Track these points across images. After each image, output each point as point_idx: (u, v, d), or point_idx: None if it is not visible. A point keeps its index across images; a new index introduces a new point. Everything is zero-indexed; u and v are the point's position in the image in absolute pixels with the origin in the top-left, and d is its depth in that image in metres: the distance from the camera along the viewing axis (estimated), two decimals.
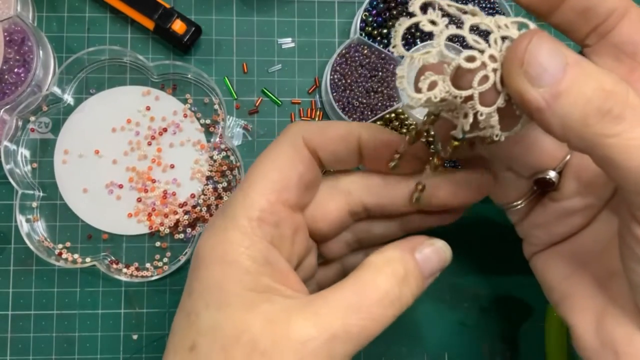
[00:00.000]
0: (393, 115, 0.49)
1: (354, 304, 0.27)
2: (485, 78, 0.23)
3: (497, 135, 0.25)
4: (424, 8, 0.24)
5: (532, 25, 0.24)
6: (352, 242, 0.35)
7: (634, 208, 0.23)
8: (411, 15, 0.24)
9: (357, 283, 0.28)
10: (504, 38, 0.24)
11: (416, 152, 0.31)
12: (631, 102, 0.21)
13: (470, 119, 0.24)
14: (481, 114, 0.24)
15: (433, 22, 0.24)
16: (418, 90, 0.24)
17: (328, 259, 0.36)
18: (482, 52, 0.23)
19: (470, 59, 0.23)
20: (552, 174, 0.30)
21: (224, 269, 0.27)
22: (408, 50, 0.49)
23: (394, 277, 0.28)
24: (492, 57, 0.23)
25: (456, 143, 0.26)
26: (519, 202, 0.33)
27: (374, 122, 0.49)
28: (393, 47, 0.24)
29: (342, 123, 0.32)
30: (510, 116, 0.25)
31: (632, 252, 0.24)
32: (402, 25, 0.24)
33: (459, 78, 0.24)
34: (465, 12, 0.25)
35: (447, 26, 0.24)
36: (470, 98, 0.24)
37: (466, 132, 0.25)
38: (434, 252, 0.29)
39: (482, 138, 0.26)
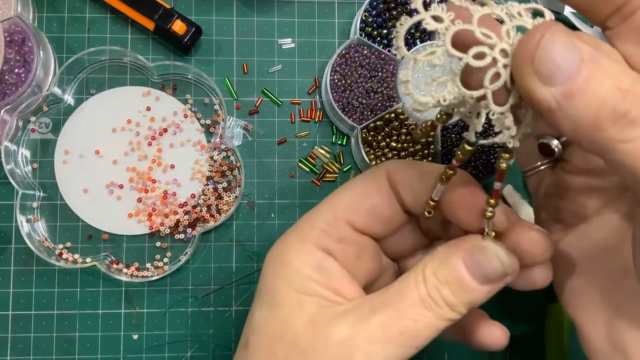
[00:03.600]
0: (393, 115, 0.49)
1: (393, 304, 0.26)
2: (497, 75, 0.21)
3: (512, 137, 0.23)
4: (427, 4, 0.22)
5: (547, 13, 0.22)
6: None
7: None
8: (413, 13, 0.22)
9: (400, 283, 0.27)
10: (517, 29, 0.22)
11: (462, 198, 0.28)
12: None
13: (483, 119, 0.22)
14: (493, 114, 0.22)
15: (438, 19, 0.22)
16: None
17: None
18: (492, 47, 0.21)
19: (480, 55, 0.21)
20: (554, 143, 0.28)
21: (277, 269, 0.29)
22: (409, 51, 0.49)
23: (430, 281, 0.26)
24: (504, 52, 0.21)
25: (469, 148, 0.24)
26: (530, 167, 0.31)
27: (374, 122, 0.49)
28: (396, 48, 0.22)
29: (428, 164, 0.30)
30: (523, 114, 0.23)
31: None
32: (404, 24, 0.22)
33: (469, 77, 0.22)
34: (474, 1, 0.22)
35: (453, 22, 0.22)
36: (483, 97, 0.22)
37: (479, 135, 0.23)
38: (484, 258, 0.26)
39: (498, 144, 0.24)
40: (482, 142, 0.24)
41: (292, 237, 0.29)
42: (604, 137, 0.19)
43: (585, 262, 0.28)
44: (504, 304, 0.52)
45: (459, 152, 0.25)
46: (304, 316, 0.27)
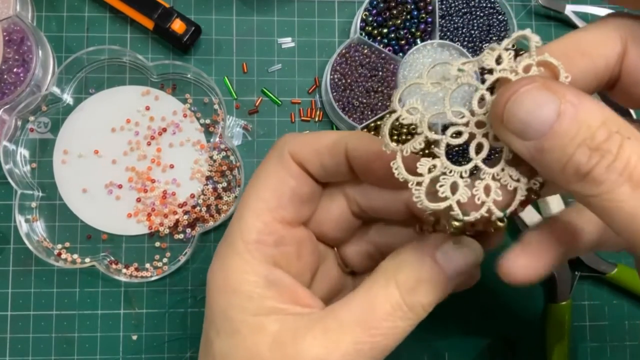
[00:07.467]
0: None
1: (363, 319, 0.26)
2: (480, 145, 0.23)
3: (535, 184, 0.23)
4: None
5: (533, 40, 0.23)
6: (373, 252, 0.33)
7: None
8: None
9: (368, 294, 0.26)
10: (492, 88, 0.23)
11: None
12: (619, 163, 0.19)
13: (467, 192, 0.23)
14: (497, 174, 0.23)
15: (412, 110, 0.24)
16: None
17: (357, 272, 0.34)
18: (466, 124, 0.23)
19: (457, 134, 0.23)
20: None
21: (227, 298, 0.28)
22: (407, 54, 0.49)
23: (405, 285, 0.26)
24: (480, 123, 0.22)
25: (457, 224, 0.24)
26: None
27: (374, 122, 0.49)
28: (384, 145, 0.24)
29: (330, 133, 0.30)
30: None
31: None
32: (387, 123, 0.24)
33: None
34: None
35: (426, 109, 0.23)
36: (475, 167, 0.23)
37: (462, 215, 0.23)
38: (457, 251, 0.26)
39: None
40: (467, 218, 0.23)
41: (230, 258, 0.28)
42: (571, 190, 0.20)
43: None
44: (504, 304, 0.52)
45: (450, 228, 0.25)
46: (267, 339, 0.26)
